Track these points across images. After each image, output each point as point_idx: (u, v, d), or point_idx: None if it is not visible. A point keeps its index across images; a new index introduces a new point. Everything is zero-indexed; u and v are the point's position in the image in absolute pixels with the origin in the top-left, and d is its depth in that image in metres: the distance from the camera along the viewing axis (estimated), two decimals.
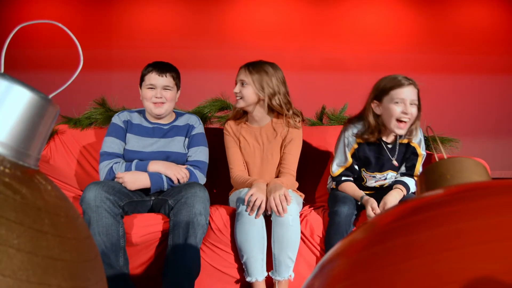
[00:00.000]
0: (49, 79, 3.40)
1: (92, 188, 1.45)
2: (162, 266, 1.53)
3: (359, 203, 1.69)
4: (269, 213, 1.58)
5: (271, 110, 1.84)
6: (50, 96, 0.52)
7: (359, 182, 1.81)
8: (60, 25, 0.59)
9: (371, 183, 1.81)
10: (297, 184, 1.85)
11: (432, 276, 0.30)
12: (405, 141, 1.75)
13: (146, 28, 4.18)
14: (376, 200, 1.64)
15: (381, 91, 1.66)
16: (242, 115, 1.91)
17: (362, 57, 4.22)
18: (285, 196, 1.55)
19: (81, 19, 4.14)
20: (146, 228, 1.57)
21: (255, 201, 1.54)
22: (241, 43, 4.21)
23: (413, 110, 1.61)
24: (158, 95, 1.73)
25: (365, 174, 1.78)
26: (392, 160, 1.71)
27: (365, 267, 0.35)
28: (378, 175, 1.76)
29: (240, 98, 1.79)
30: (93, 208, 1.41)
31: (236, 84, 1.82)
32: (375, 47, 4.27)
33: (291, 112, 1.81)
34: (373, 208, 1.59)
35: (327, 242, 1.63)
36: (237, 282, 1.69)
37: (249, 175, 1.85)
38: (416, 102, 1.63)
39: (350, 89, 3.47)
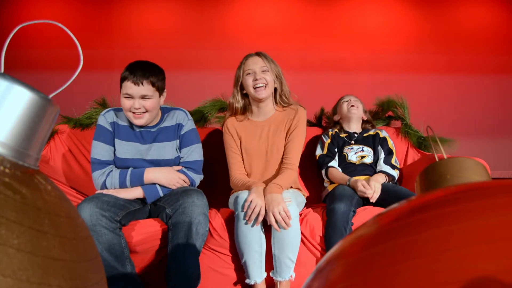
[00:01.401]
0: (49, 79, 3.40)
1: (86, 206, 1.40)
2: (164, 271, 1.53)
3: (348, 183, 1.85)
4: (268, 224, 1.56)
5: (274, 101, 1.85)
6: (50, 96, 0.52)
7: (343, 159, 2.06)
8: (60, 25, 0.59)
9: (352, 155, 2.04)
10: (297, 179, 1.85)
11: (432, 276, 0.30)
12: (372, 133, 2.13)
13: (146, 28, 4.18)
14: (363, 200, 1.84)
15: (335, 105, 2.26)
16: (242, 112, 1.87)
17: (362, 57, 4.23)
18: (285, 212, 1.51)
19: (81, 19, 4.13)
20: (146, 235, 1.56)
21: (254, 208, 1.52)
22: (241, 43, 4.21)
23: (359, 104, 2.16)
24: (136, 105, 1.56)
25: (344, 150, 2.08)
26: (350, 141, 2.11)
27: (364, 267, 0.35)
28: (355, 146, 2.07)
29: (265, 86, 1.73)
30: (90, 227, 1.38)
31: (245, 76, 1.75)
32: (375, 47, 4.27)
33: (292, 101, 1.86)
34: (363, 185, 1.76)
35: (326, 240, 1.64)
36: (236, 284, 1.69)
37: (252, 172, 1.83)
38: (358, 100, 2.19)
39: (350, 89, 3.47)
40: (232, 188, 1.86)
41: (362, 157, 2.03)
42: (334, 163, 2.03)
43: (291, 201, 1.58)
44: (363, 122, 2.20)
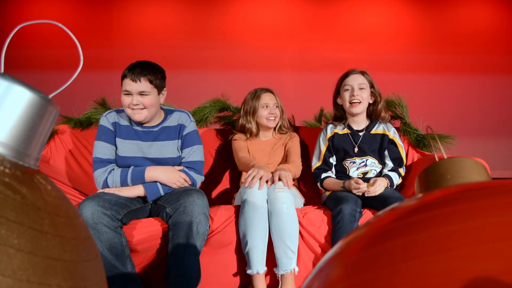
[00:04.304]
0: (49, 79, 3.40)
1: (88, 205, 1.41)
2: (164, 271, 1.53)
3: (343, 186, 1.81)
4: (269, 185, 1.65)
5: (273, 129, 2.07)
6: (50, 96, 0.52)
7: (343, 173, 1.94)
8: (60, 25, 0.59)
9: (353, 171, 1.92)
10: (300, 170, 1.95)
11: (432, 276, 0.30)
12: (380, 131, 1.95)
13: (146, 28, 4.18)
14: (362, 199, 1.77)
15: (338, 85, 1.98)
16: (249, 132, 2.04)
17: (362, 57, 4.23)
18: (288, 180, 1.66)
19: (81, 19, 4.14)
20: (147, 235, 1.56)
21: (255, 175, 1.63)
22: (241, 43, 4.21)
23: (363, 93, 1.89)
24: (134, 101, 1.62)
25: (345, 162, 1.94)
26: (354, 146, 1.93)
27: (364, 267, 0.35)
28: (357, 159, 1.92)
29: (276, 118, 2.01)
30: (92, 225, 1.39)
31: (261, 108, 1.99)
32: (375, 47, 4.27)
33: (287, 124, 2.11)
34: (356, 181, 1.71)
35: (334, 243, 1.63)
36: (236, 283, 1.69)
37: None
38: (364, 86, 1.89)
39: None
40: (239, 169, 1.98)
41: (365, 173, 1.91)
42: (329, 173, 1.95)
43: (284, 189, 1.62)
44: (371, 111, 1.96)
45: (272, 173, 1.71)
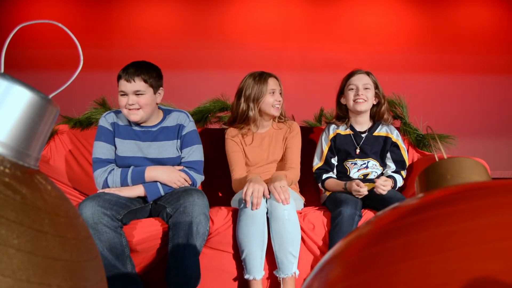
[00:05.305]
0: (49, 79, 3.40)
1: (88, 205, 1.41)
2: (164, 271, 1.53)
3: (344, 187, 1.79)
4: (268, 197, 1.60)
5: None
6: (50, 96, 0.52)
7: (344, 174, 1.93)
8: (60, 25, 0.59)
9: (354, 173, 1.92)
10: (298, 176, 1.90)
11: (432, 276, 0.30)
12: (383, 133, 1.94)
13: (146, 28, 4.18)
14: (363, 200, 1.76)
15: (342, 85, 1.97)
16: (243, 123, 1.93)
17: (362, 57, 4.22)
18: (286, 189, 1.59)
19: (81, 19, 4.13)
20: (147, 235, 1.56)
21: (252, 193, 1.56)
22: (241, 43, 4.21)
23: (368, 93, 1.87)
24: (130, 101, 1.63)
25: (347, 163, 1.94)
26: (356, 148, 1.91)
27: (364, 267, 0.35)
28: (359, 161, 1.91)
29: (279, 106, 1.91)
30: (92, 225, 1.39)
31: (268, 93, 1.86)
32: (375, 47, 4.27)
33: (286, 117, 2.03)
34: (357, 184, 1.70)
35: (331, 244, 1.62)
36: (235, 282, 1.69)
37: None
38: (369, 86, 1.88)
39: None
40: (233, 190, 1.89)
41: (365, 174, 1.90)
42: (330, 174, 1.94)
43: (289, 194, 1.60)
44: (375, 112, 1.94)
45: (267, 184, 1.64)
